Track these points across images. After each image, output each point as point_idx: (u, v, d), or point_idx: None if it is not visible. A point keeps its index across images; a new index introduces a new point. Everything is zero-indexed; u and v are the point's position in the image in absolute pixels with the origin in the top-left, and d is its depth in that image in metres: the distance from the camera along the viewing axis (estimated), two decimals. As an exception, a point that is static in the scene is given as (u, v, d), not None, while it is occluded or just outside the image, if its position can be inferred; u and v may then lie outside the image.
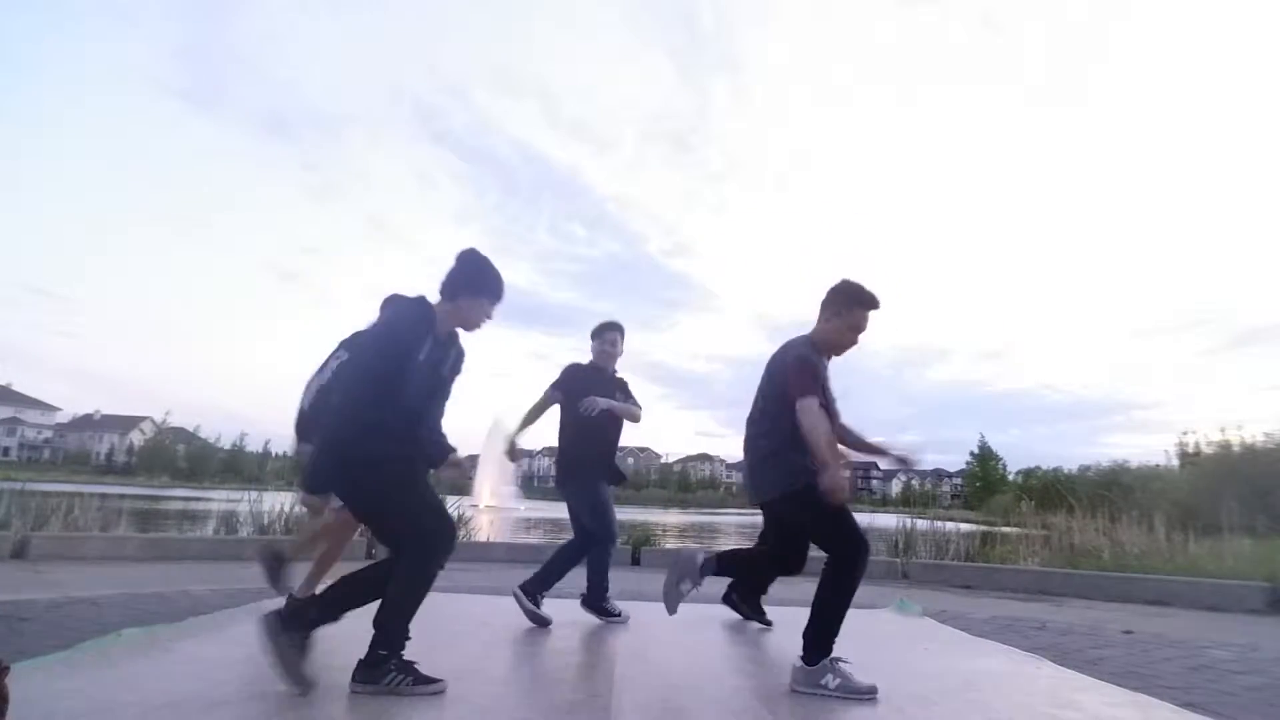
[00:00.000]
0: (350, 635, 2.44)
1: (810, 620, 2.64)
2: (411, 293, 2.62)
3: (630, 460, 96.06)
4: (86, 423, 76.76)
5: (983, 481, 50.85)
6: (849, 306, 2.85)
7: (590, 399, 3.87)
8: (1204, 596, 5.98)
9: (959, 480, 71.90)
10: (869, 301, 2.87)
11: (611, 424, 3.99)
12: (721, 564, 3.18)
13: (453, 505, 8.65)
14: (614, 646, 3.33)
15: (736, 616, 4.06)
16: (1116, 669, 2.50)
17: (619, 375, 4.18)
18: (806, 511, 2.74)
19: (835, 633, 2.61)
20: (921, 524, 8.75)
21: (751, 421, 2.98)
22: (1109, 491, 12.80)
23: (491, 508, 19.87)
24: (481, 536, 9.19)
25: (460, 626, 3.55)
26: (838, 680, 2.54)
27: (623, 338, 4.16)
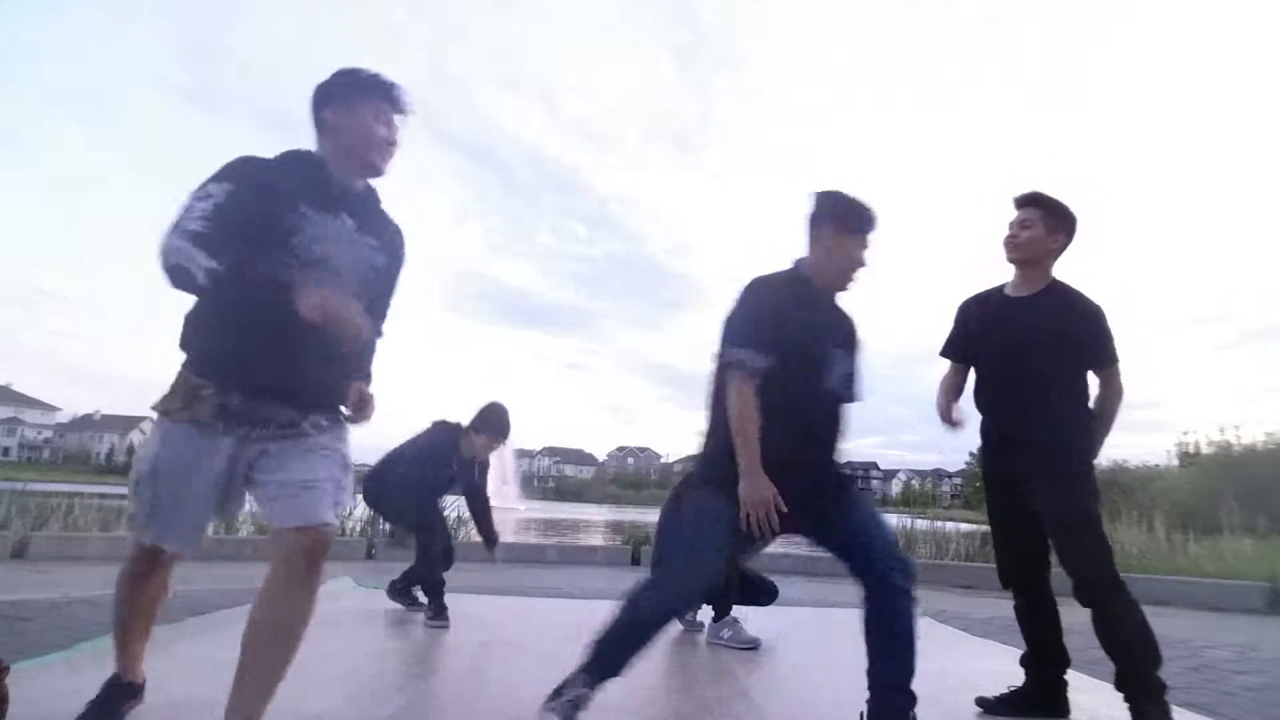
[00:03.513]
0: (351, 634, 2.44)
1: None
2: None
3: (630, 460, 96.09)
4: (86, 423, 76.72)
5: (982, 482, 50.67)
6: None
7: None
8: (1204, 596, 5.98)
9: (959, 480, 71.86)
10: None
11: None
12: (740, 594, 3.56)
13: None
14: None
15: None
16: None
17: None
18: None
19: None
20: (921, 524, 8.75)
21: None
22: (1109, 491, 12.77)
23: (491, 508, 19.80)
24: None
25: (460, 626, 3.55)
26: (730, 632, 3.44)
27: None
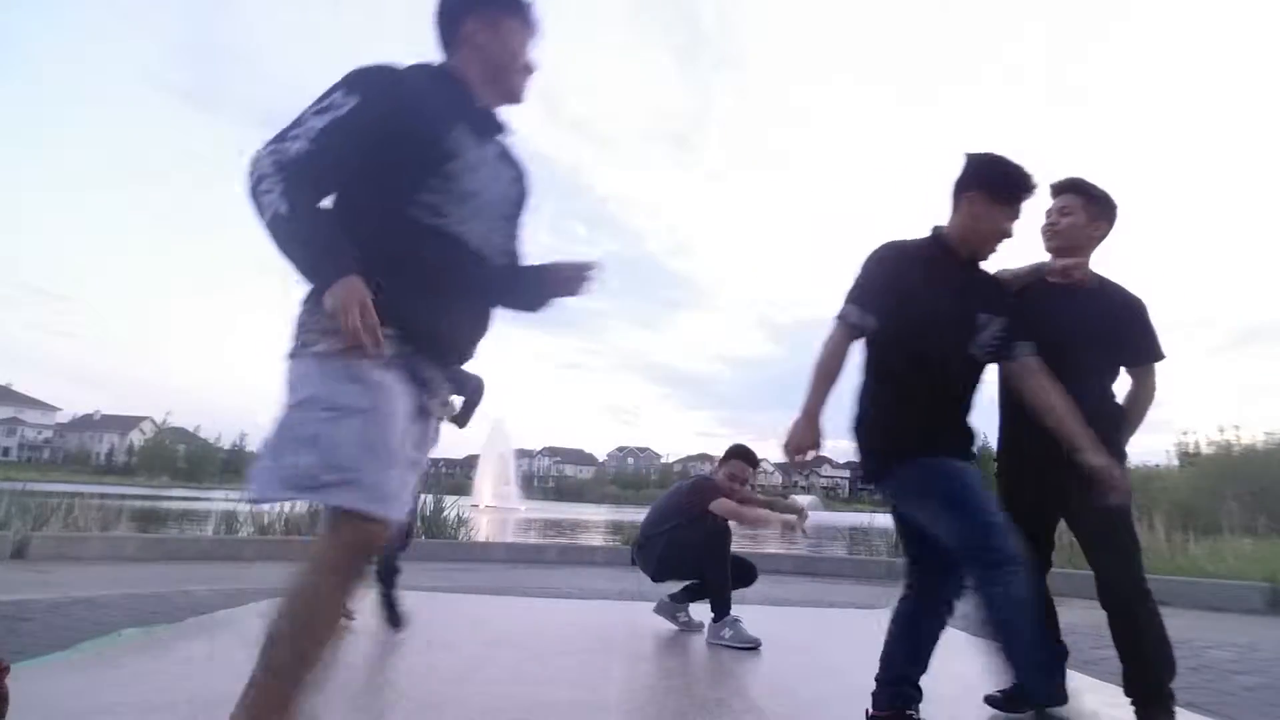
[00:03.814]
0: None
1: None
2: None
3: (630, 460, 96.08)
4: (86, 423, 76.74)
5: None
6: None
7: None
8: (1204, 596, 5.97)
9: (959, 480, 71.55)
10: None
11: None
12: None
13: (452, 505, 8.67)
14: (614, 647, 3.33)
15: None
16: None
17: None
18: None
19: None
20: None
21: None
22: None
23: (491, 508, 19.86)
24: (481, 536, 9.19)
25: (460, 626, 3.55)
26: (731, 632, 3.36)
27: None
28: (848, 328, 2.01)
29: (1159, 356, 2.40)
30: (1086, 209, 2.40)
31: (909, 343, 2.00)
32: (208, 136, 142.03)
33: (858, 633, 4.02)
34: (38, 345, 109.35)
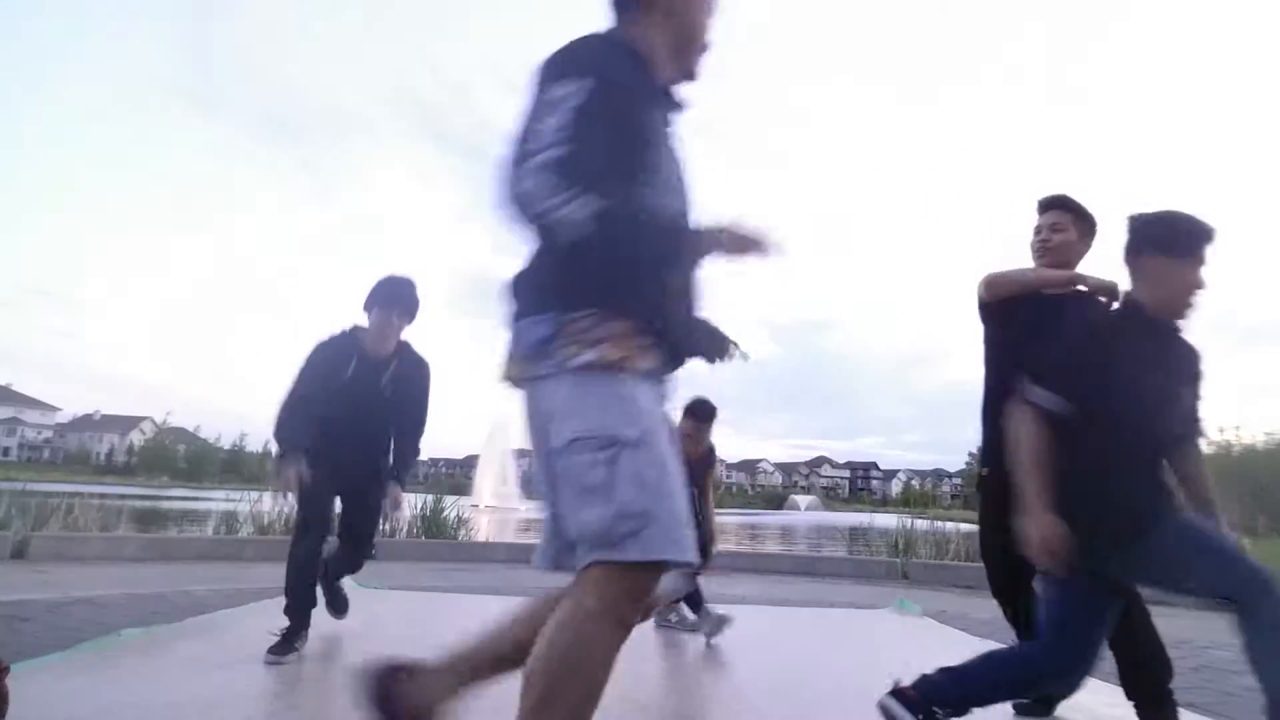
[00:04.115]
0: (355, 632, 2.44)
1: None
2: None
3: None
4: (86, 423, 76.74)
5: (978, 489, 50.69)
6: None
7: None
8: (1204, 596, 5.97)
9: (959, 480, 71.84)
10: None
11: None
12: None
13: (452, 505, 8.66)
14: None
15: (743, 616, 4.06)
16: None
17: None
18: None
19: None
20: (921, 524, 8.74)
21: None
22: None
23: (491, 508, 19.86)
24: (481, 536, 9.18)
25: (460, 626, 3.55)
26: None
27: None
28: (1039, 412, 1.87)
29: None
30: (1077, 226, 2.44)
31: (1109, 417, 1.86)
32: (208, 135, 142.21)
33: (858, 633, 4.02)
34: (38, 345, 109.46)
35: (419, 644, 2.44)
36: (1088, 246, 2.47)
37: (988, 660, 1.97)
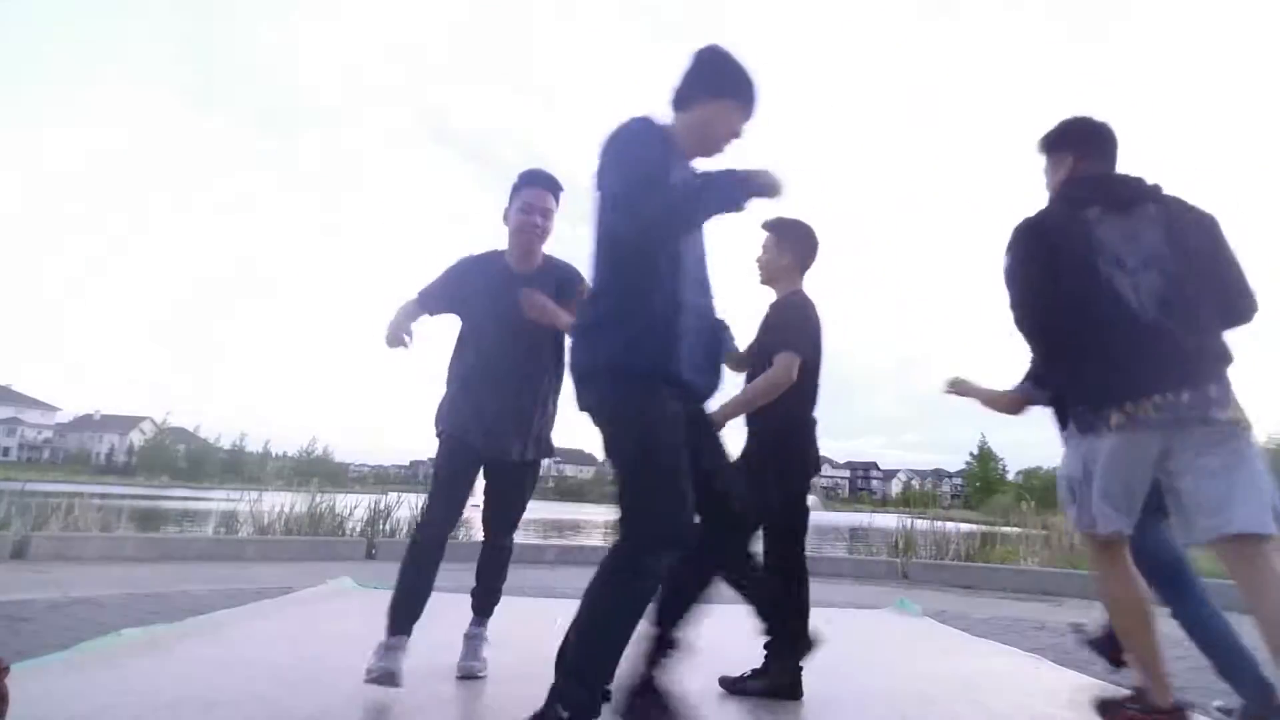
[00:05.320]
0: (356, 636, 2.43)
1: None
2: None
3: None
4: (86, 423, 76.73)
5: (983, 481, 50.94)
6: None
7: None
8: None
9: (959, 480, 71.90)
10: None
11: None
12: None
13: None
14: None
15: (742, 615, 4.06)
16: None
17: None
18: None
19: None
20: (921, 524, 8.74)
21: None
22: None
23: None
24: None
25: (460, 626, 3.55)
26: None
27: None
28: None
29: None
30: (779, 245, 2.74)
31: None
32: (207, 134, 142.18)
33: (858, 633, 4.02)
34: (38, 345, 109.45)
35: (419, 644, 2.44)
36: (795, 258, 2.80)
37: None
